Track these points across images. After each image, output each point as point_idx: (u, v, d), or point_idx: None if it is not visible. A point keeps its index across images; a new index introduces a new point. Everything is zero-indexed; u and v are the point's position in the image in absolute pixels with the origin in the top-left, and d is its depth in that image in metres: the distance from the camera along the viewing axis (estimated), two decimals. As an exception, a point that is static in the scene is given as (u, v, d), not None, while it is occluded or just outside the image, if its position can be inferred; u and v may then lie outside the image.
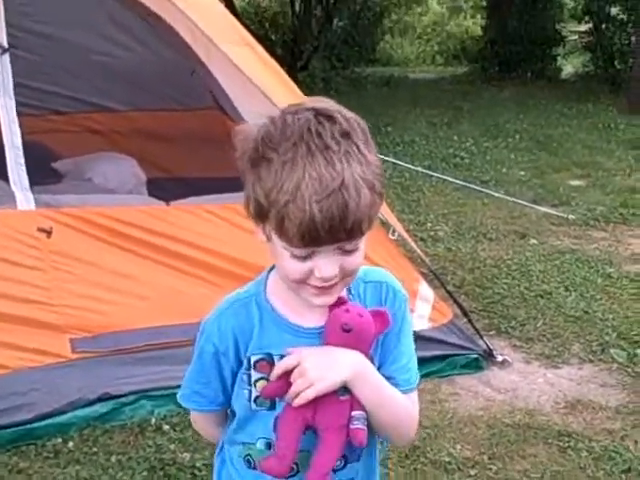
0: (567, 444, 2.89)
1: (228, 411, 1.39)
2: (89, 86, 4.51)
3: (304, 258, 1.18)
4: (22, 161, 3.19)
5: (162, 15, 3.67)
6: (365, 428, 1.22)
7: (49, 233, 3.08)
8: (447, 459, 2.80)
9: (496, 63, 13.59)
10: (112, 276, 3.14)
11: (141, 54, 4.47)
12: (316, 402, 1.20)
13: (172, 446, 2.73)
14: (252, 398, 1.29)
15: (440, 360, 3.43)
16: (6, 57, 3.32)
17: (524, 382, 3.41)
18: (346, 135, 1.15)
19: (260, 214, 1.20)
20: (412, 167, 6.43)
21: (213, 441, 1.49)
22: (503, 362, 3.54)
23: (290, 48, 13.12)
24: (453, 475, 2.72)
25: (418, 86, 13.09)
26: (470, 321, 3.66)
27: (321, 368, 1.20)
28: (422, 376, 3.52)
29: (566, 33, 14.30)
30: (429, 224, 5.54)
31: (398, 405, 1.29)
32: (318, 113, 1.16)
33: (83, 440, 2.82)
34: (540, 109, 10.18)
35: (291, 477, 1.27)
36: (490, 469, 2.76)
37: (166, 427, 2.89)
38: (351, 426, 1.21)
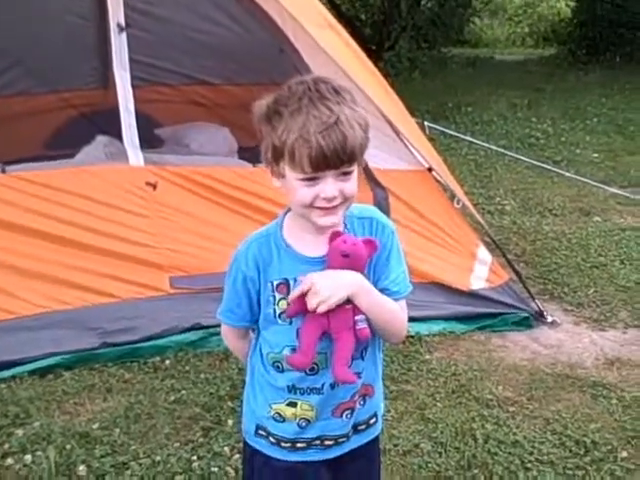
0: (600, 393, 3.20)
1: (251, 333, 1.75)
2: (192, 62, 4.99)
3: (312, 185, 1.53)
4: (134, 124, 3.71)
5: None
6: (367, 327, 1.60)
7: (155, 186, 3.61)
8: (489, 397, 3.16)
9: (584, 46, 13.45)
10: (205, 225, 3.64)
11: (237, 33, 4.88)
12: (328, 313, 1.59)
13: (252, 369, 3.17)
14: (277, 315, 1.63)
15: (493, 317, 3.78)
16: (123, 35, 3.84)
17: (570, 341, 3.71)
18: (337, 91, 1.54)
19: (275, 155, 1.55)
20: (487, 145, 6.68)
21: (237, 354, 1.85)
22: (552, 323, 3.84)
23: (379, 28, 13.36)
24: (492, 410, 3.06)
25: (503, 67, 13.12)
26: (524, 285, 3.98)
27: (330, 288, 1.55)
28: (476, 329, 3.81)
29: (658, 17, 14.01)
30: (498, 198, 5.81)
31: (390, 310, 1.65)
32: (316, 79, 1.56)
33: (177, 360, 3.33)
34: (624, 93, 10.14)
35: (313, 374, 1.64)
36: (527, 408, 3.10)
37: (247, 356, 3.36)
38: (357, 327, 1.61)
